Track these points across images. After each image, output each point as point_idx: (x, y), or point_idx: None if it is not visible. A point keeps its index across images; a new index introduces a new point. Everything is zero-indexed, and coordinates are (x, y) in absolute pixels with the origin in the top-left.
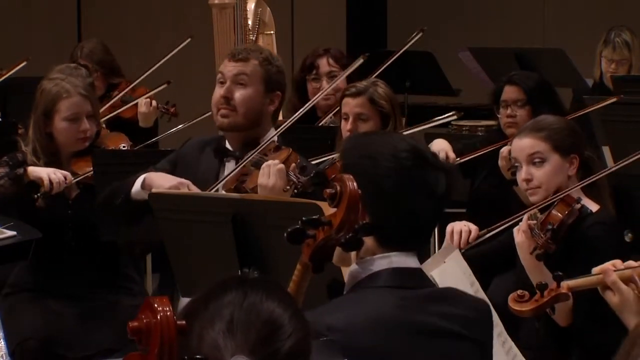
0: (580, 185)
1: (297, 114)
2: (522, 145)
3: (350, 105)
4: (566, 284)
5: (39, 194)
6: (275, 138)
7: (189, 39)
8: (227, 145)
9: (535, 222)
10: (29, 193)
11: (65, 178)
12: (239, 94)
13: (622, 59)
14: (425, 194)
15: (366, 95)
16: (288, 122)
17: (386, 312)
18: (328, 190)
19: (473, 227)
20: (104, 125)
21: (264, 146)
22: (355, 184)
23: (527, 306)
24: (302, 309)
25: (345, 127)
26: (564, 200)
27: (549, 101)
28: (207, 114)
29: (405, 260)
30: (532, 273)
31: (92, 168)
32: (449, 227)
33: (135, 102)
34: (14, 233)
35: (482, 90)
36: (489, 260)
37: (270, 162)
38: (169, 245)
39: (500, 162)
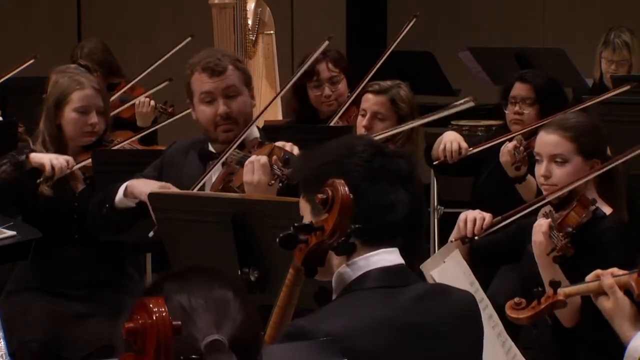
0: (593, 175)
1: (267, 105)
2: (548, 140)
3: (370, 102)
4: (563, 291)
5: (41, 179)
6: (257, 135)
7: (189, 38)
8: (211, 148)
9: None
10: (31, 179)
11: (68, 163)
12: (236, 107)
13: (622, 59)
14: (391, 180)
15: (388, 95)
16: (260, 113)
17: (382, 315)
18: (320, 196)
19: (487, 215)
20: None
21: (241, 139)
22: (347, 188)
23: (525, 314)
24: (295, 315)
25: (362, 122)
26: (581, 202)
27: (557, 102)
28: None
29: (389, 258)
30: (545, 272)
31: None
32: (462, 216)
33: (134, 101)
34: (13, 233)
35: (482, 90)
36: (495, 250)
37: (253, 157)
38: (169, 245)
39: (504, 158)
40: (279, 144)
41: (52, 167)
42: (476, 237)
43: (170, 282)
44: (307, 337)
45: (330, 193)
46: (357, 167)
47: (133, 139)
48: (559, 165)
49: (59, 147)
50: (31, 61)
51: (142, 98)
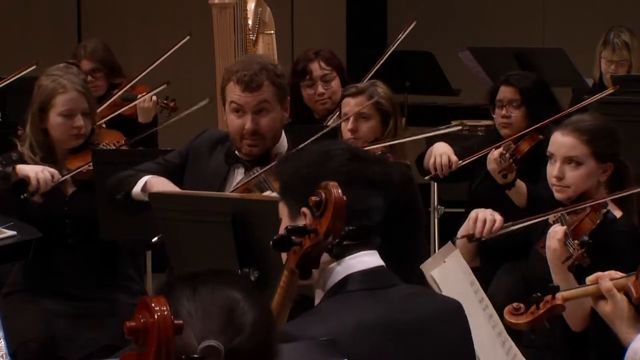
0: (613, 197)
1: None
2: (563, 142)
3: (351, 104)
4: (561, 295)
5: (25, 194)
6: (285, 148)
7: (188, 37)
8: (237, 152)
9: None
10: (16, 192)
11: (53, 176)
12: (264, 123)
13: (622, 59)
14: (365, 186)
15: (366, 94)
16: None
17: (365, 318)
18: (313, 198)
19: (498, 217)
20: (104, 126)
21: (263, 171)
22: (340, 191)
23: (523, 319)
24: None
25: (346, 127)
26: (594, 207)
27: (545, 102)
28: (202, 103)
29: (369, 260)
30: (558, 277)
31: (84, 165)
32: (472, 213)
33: (137, 101)
34: (14, 233)
35: (482, 90)
36: (502, 245)
37: (268, 194)
38: (169, 245)
39: (490, 166)
40: None
41: (38, 181)
42: (483, 239)
43: (183, 284)
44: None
45: (323, 195)
46: (334, 171)
47: (121, 143)
48: (572, 167)
49: (46, 150)
50: (32, 67)
51: (144, 97)
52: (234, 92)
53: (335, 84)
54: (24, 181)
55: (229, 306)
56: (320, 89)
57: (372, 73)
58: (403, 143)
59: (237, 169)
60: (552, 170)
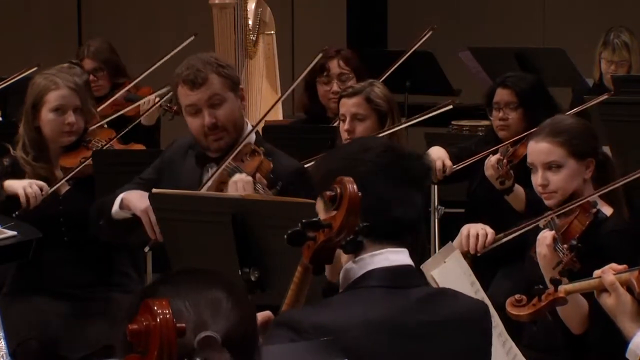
0: (599, 193)
1: (269, 109)
2: (539, 149)
3: (347, 105)
4: (564, 288)
5: (17, 212)
6: (253, 139)
7: (192, 37)
8: (206, 152)
9: (555, 231)
10: (7, 209)
11: (42, 189)
12: (221, 115)
13: (622, 60)
14: (403, 182)
15: (362, 94)
16: (260, 119)
17: (376, 314)
18: (328, 193)
19: (489, 231)
20: (105, 126)
21: (239, 149)
22: (355, 186)
23: (525, 310)
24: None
25: (343, 127)
26: (583, 208)
27: (542, 104)
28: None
29: (396, 257)
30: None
31: (79, 165)
32: (464, 229)
33: (140, 102)
34: (14, 233)
35: (482, 90)
36: (496, 251)
37: (237, 177)
38: (169, 245)
39: (488, 172)
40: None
41: (27, 197)
42: (478, 254)
43: (163, 286)
44: (294, 327)
45: (338, 190)
46: (368, 162)
47: (114, 139)
48: (554, 171)
49: (39, 149)
50: (33, 69)
51: (149, 98)
52: (184, 95)
53: (352, 85)
54: (14, 198)
55: (213, 299)
56: (335, 87)
57: (385, 76)
58: (400, 137)
59: (211, 168)
60: (536, 179)
